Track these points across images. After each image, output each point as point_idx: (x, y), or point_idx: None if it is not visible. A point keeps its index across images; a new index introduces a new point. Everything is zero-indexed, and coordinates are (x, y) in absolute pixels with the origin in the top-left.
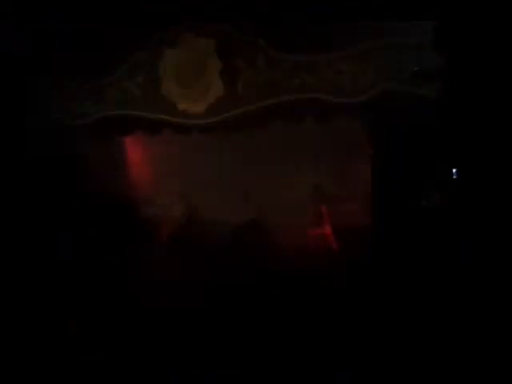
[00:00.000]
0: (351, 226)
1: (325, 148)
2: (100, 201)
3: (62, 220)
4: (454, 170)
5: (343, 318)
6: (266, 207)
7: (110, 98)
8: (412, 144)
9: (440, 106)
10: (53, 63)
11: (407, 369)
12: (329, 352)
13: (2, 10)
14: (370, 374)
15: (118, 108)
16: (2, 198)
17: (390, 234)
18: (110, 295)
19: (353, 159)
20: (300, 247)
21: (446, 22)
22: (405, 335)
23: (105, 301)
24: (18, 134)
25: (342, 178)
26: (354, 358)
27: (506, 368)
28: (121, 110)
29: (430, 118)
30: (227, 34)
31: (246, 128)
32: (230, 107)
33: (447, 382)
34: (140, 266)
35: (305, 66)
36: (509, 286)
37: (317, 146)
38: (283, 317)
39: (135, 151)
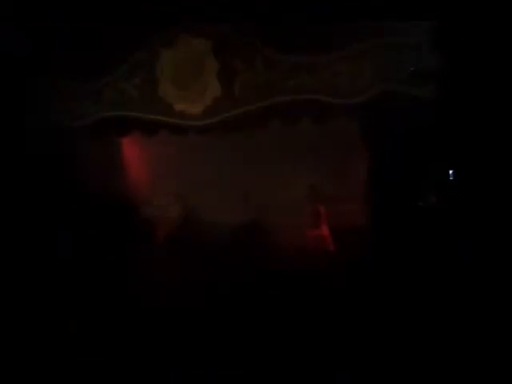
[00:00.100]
0: (349, 227)
1: (323, 149)
2: (97, 202)
3: (59, 221)
4: (451, 171)
5: (342, 318)
6: (264, 208)
7: (108, 99)
8: (410, 145)
9: (438, 107)
10: (50, 64)
11: (407, 369)
12: (327, 352)
13: (2, 10)
14: (369, 374)
15: (115, 109)
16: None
17: (388, 235)
18: (107, 296)
19: (351, 160)
20: (298, 248)
21: (444, 22)
22: (404, 335)
23: (102, 301)
24: (16, 135)
25: (340, 179)
26: (352, 358)
27: (506, 368)
28: (118, 111)
29: (427, 118)
30: (224, 34)
31: (243, 129)
32: (228, 108)
33: (447, 382)
34: (137, 266)
35: (302, 67)
36: (509, 285)
37: (315, 147)
38: (282, 317)
39: (132, 152)
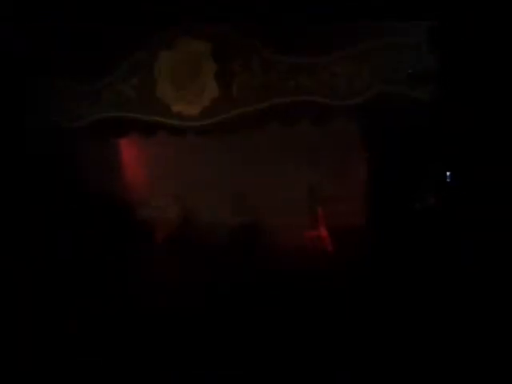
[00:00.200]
0: (348, 228)
1: (321, 150)
2: (95, 202)
3: (57, 221)
4: (449, 173)
5: (341, 318)
6: (262, 209)
7: (105, 100)
8: (408, 146)
9: (437, 108)
10: (48, 64)
11: (407, 369)
12: (325, 353)
13: (1, 10)
14: (369, 374)
15: (113, 110)
16: None
17: (387, 236)
18: (106, 296)
19: (349, 161)
20: (296, 248)
21: (443, 23)
22: (403, 336)
23: (101, 302)
24: (14, 135)
25: (339, 180)
26: (351, 358)
27: (506, 368)
28: (116, 112)
29: (425, 120)
30: (222, 35)
31: (241, 130)
32: (225, 109)
33: (447, 382)
34: (136, 267)
35: (301, 68)
36: (509, 286)
37: (313, 148)
38: (281, 318)
39: (130, 153)
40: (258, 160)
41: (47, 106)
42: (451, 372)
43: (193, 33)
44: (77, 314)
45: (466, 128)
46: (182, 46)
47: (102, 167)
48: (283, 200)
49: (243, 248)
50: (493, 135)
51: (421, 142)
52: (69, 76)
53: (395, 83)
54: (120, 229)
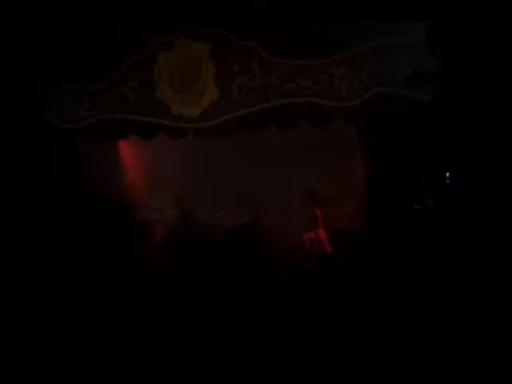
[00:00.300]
0: (346, 229)
1: (320, 151)
2: (95, 204)
3: (57, 222)
4: (447, 174)
5: (339, 319)
6: (261, 210)
7: (106, 102)
8: (407, 146)
9: (435, 109)
10: (48, 67)
11: (405, 369)
12: (323, 353)
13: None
14: (368, 374)
15: (113, 112)
16: None
17: (385, 237)
18: (104, 297)
19: (348, 162)
20: (295, 249)
21: (441, 24)
22: (402, 336)
23: (99, 302)
24: (14, 136)
25: (338, 181)
26: (349, 359)
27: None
28: (115, 113)
29: (424, 121)
30: (221, 38)
31: (240, 132)
32: (225, 111)
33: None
34: (135, 267)
35: (299, 70)
36: (508, 286)
37: (312, 150)
38: (279, 318)
39: (130, 154)
40: (257, 162)
41: (47, 108)
42: (451, 370)
43: (192, 35)
44: (76, 314)
45: (465, 128)
46: (182, 48)
47: (102, 169)
48: (282, 201)
49: (241, 249)
50: (491, 136)
51: (420, 143)
52: (69, 78)
53: (394, 84)
54: (119, 230)
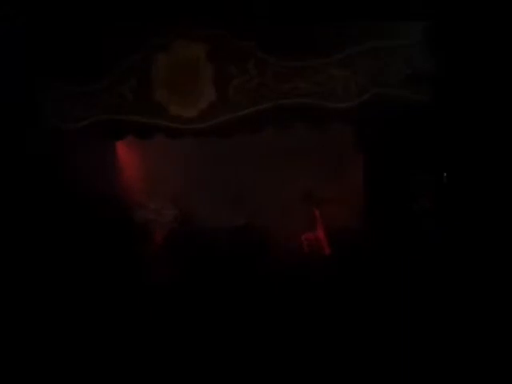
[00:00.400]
0: (344, 230)
1: (318, 152)
2: (93, 205)
3: (53, 223)
4: (445, 174)
5: (337, 320)
6: (259, 212)
7: (103, 103)
8: (404, 148)
9: (432, 111)
10: (46, 66)
11: (405, 369)
12: (320, 354)
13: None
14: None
15: (110, 112)
16: None
17: (383, 238)
18: (101, 299)
19: (346, 163)
20: (293, 251)
21: (438, 25)
22: (401, 336)
23: (96, 304)
24: (11, 137)
25: (336, 182)
26: (347, 359)
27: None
28: (113, 114)
29: (421, 122)
30: (219, 39)
31: (237, 133)
32: (222, 112)
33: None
34: (133, 268)
35: (296, 71)
36: (507, 286)
37: (309, 151)
38: (277, 319)
39: (128, 155)
40: (254, 162)
41: (44, 108)
42: (449, 370)
43: (190, 36)
44: (72, 315)
45: (463, 129)
46: (179, 48)
47: (100, 169)
48: (280, 202)
49: (240, 250)
50: (489, 136)
51: (417, 144)
52: (67, 78)
53: (392, 85)
54: (117, 230)
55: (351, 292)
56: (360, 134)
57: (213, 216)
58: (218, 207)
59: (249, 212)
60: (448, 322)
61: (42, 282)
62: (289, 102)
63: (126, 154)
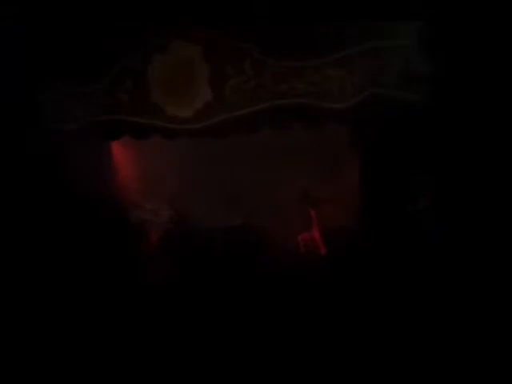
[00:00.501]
0: (341, 230)
1: (314, 153)
2: (89, 205)
3: (50, 223)
4: (442, 175)
5: (334, 320)
6: (256, 212)
7: (99, 103)
8: (400, 148)
9: (427, 111)
10: (42, 67)
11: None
12: (318, 355)
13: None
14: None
15: (106, 113)
16: None
17: (379, 238)
18: (98, 299)
19: (342, 164)
20: (289, 251)
21: (435, 25)
22: (399, 336)
23: (93, 304)
24: (8, 138)
25: (332, 183)
26: (345, 360)
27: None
28: (109, 114)
29: (417, 122)
30: (215, 39)
31: (234, 133)
32: (218, 113)
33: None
34: (129, 269)
35: (293, 71)
36: (505, 286)
37: (305, 151)
38: (275, 320)
39: (124, 156)
40: (251, 163)
41: (42, 109)
42: (448, 370)
43: (186, 36)
44: (68, 315)
45: (459, 130)
46: (175, 49)
47: (96, 170)
48: (276, 202)
49: (236, 250)
50: (485, 137)
51: (413, 145)
52: (63, 79)
53: (388, 86)
54: (113, 231)
55: (348, 292)
56: (357, 135)
57: (209, 216)
58: (214, 207)
59: (245, 212)
60: (448, 322)
61: (39, 280)
62: (285, 102)
63: (122, 154)
